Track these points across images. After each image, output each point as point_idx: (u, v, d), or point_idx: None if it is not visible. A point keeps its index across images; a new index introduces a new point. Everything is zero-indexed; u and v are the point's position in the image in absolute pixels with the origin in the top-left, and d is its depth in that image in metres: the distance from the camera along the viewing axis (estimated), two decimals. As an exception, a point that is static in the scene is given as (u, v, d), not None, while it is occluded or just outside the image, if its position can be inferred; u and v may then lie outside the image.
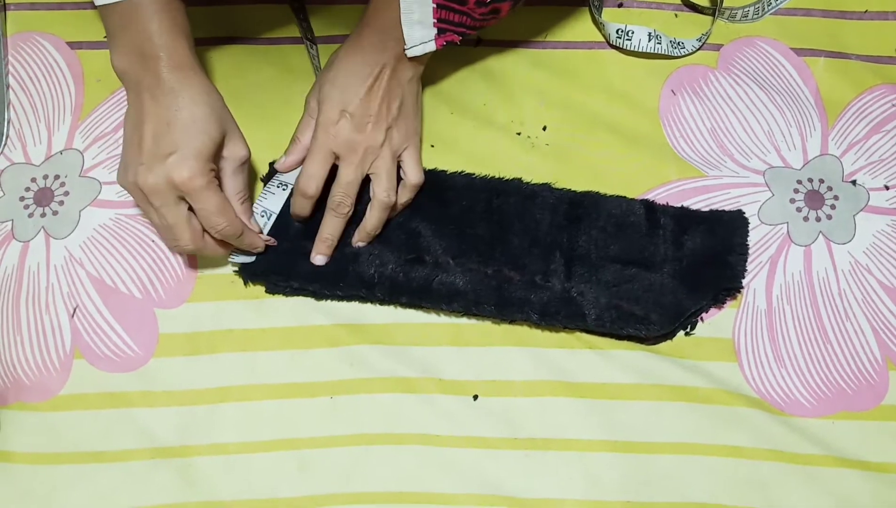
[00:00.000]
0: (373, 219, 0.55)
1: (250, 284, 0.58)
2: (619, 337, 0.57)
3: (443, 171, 0.60)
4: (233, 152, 0.52)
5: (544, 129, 0.63)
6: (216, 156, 0.51)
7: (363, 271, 0.56)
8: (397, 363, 0.57)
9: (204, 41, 0.65)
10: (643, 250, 0.57)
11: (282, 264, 0.56)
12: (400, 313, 0.58)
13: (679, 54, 0.64)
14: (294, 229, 0.57)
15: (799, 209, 0.61)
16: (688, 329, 0.57)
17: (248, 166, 0.54)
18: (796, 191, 0.62)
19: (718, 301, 0.58)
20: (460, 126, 0.63)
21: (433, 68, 0.64)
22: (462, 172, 0.59)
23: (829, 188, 0.62)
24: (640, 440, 0.55)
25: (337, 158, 0.54)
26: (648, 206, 0.58)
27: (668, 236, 0.57)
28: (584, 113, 0.64)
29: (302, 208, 0.55)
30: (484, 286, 0.55)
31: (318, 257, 0.56)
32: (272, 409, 0.56)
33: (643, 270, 0.56)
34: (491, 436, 0.55)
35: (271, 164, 0.59)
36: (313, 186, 0.54)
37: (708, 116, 0.64)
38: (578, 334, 0.58)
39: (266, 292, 0.58)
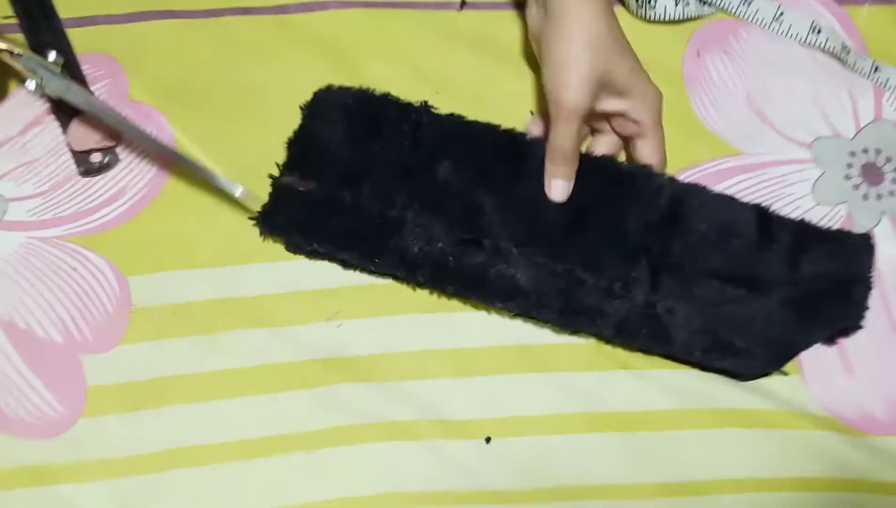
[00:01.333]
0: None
1: (194, 318, 0.47)
2: (705, 368, 0.47)
3: (522, 134, 0.48)
4: None
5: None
6: None
7: (406, 247, 0.45)
8: (389, 404, 0.46)
9: (128, 17, 0.53)
10: (751, 267, 0.46)
11: (310, 219, 0.46)
12: (388, 340, 0.47)
13: (709, 12, 0.54)
14: (334, 175, 0.47)
15: (857, 187, 0.51)
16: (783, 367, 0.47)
17: None
18: (850, 166, 0.52)
19: (832, 339, 0.47)
20: (448, 107, 0.51)
21: (409, 39, 0.53)
22: (539, 138, 0.48)
23: (888, 159, 0.52)
24: (694, 478, 0.45)
25: None
26: (762, 214, 0.47)
27: (783, 253, 0.46)
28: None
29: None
30: (550, 286, 0.45)
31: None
32: (235, 473, 0.44)
33: (749, 291, 0.45)
34: (512, 488, 0.45)
35: None
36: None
37: (742, 80, 0.53)
38: (609, 349, 0.47)
39: (287, 249, 0.48)
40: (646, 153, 0.48)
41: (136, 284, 0.47)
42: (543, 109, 0.49)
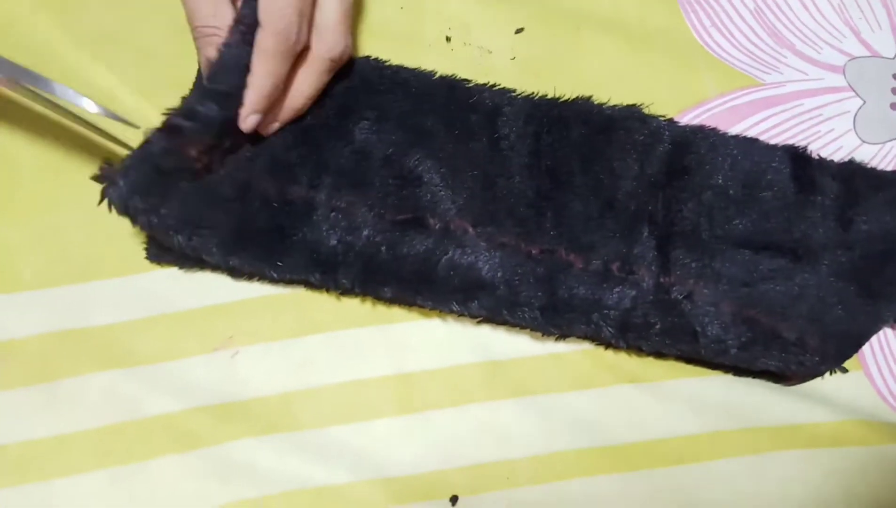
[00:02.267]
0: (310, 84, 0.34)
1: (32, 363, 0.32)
2: (738, 373, 0.35)
3: (463, 80, 0.36)
4: None
5: (517, 32, 0.39)
6: None
7: (319, 240, 0.32)
8: (309, 462, 0.33)
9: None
10: (790, 227, 0.34)
11: (188, 206, 0.32)
12: (303, 371, 0.34)
13: None
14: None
15: (908, 117, 0.39)
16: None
17: None
18: (896, 91, 0.40)
19: None
20: (374, 48, 0.38)
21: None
22: (493, 84, 0.36)
23: (944, 80, 0.40)
24: (739, 528, 0.33)
25: None
26: (796, 156, 0.36)
27: (829, 207, 0.35)
28: (562, 8, 0.40)
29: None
30: (525, 275, 0.33)
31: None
32: (89, 584, 0.30)
33: (791, 261, 0.34)
34: (491, 567, 0.32)
35: None
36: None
37: (748, -8, 0.41)
38: (608, 357, 0.35)
39: (147, 257, 0.34)
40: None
41: (-65, 321, 0.33)
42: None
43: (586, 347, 0.35)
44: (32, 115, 0.36)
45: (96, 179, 0.30)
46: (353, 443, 0.33)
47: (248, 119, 0.32)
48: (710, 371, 0.35)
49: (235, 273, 0.34)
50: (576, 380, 0.35)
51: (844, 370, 0.35)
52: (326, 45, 0.33)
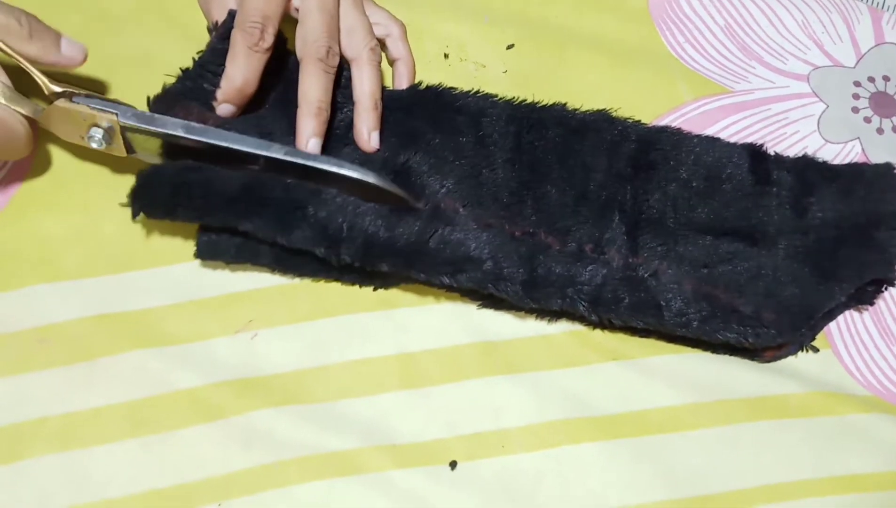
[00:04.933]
0: (369, 79, 0.38)
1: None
2: (708, 345, 0.38)
3: (449, 88, 0.40)
4: None
5: (508, 48, 0.43)
6: None
7: (327, 218, 0.35)
8: (322, 431, 0.36)
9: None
10: (748, 215, 0.38)
11: (199, 183, 0.35)
12: (316, 350, 0.37)
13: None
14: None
15: (868, 119, 0.43)
16: (811, 341, 0.39)
17: None
18: (857, 97, 0.44)
19: (862, 300, 0.39)
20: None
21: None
22: (478, 91, 0.40)
23: (900, 87, 0.44)
24: (716, 490, 0.36)
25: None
26: (754, 152, 0.39)
27: (784, 196, 0.38)
28: (549, 27, 0.45)
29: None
30: (509, 252, 0.36)
31: (312, 141, 0.37)
32: (124, 539, 0.34)
33: (748, 245, 0.37)
34: (487, 524, 0.35)
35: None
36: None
37: (718, 11, 0.45)
38: (594, 338, 0.38)
39: (198, 255, 0.38)
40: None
41: (-14, 307, 0.37)
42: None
43: (573, 328, 0.38)
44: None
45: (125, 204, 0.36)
46: (361, 414, 0.36)
47: (220, 106, 0.37)
48: (687, 349, 0.38)
49: (254, 259, 0.38)
50: (563, 358, 0.38)
51: (816, 349, 0.39)
52: (311, 49, 0.37)
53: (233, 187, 0.35)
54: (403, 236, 0.35)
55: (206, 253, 0.38)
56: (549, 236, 0.36)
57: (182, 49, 0.40)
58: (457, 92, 0.40)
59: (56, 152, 0.40)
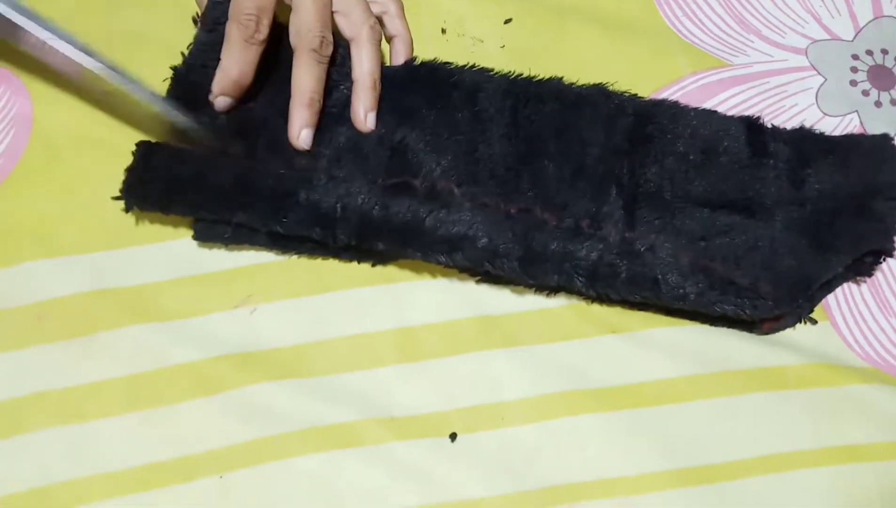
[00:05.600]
0: (368, 59, 0.38)
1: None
2: (706, 318, 0.38)
3: (445, 63, 0.40)
4: None
5: (506, 22, 0.43)
6: None
7: (320, 200, 0.35)
8: (322, 404, 0.36)
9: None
10: (745, 188, 0.38)
11: (192, 177, 0.36)
12: (315, 324, 0.37)
13: None
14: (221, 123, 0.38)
15: (866, 92, 0.43)
16: (809, 313, 0.39)
17: None
18: (855, 70, 0.44)
19: (860, 272, 0.39)
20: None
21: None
22: (473, 65, 0.40)
23: (898, 60, 0.44)
24: (713, 461, 0.36)
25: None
26: (751, 125, 0.39)
27: (781, 168, 0.38)
28: (547, 2, 0.45)
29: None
30: (504, 231, 0.36)
31: (304, 133, 0.37)
32: (125, 511, 0.34)
33: (745, 217, 0.37)
34: (487, 495, 0.35)
35: None
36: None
37: (716, -16, 0.45)
38: (592, 311, 0.38)
39: (195, 237, 0.38)
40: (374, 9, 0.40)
41: (-15, 282, 0.37)
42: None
43: (571, 302, 0.38)
44: (71, 98, 0.40)
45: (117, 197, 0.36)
46: (361, 388, 0.36)
47: (217, 99, 0.37)
48: (685, 321, 0.38)
49: (252, 241, 0.38)
50: (561, 331, 0.38)
51: (814, 321, 0.39)
52: (304, 40, 0.36)
53: (225, 181, 0.35)
54: (399, 216, 0.35)
55: (203, 236, 0.38)
56: (546, 211, 0.36)
57: (180, 27, 0.40)
58: (453, 67, 0.40)
59: (53, 128, 0.40)
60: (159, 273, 0.38)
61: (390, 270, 0.39)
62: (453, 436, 0.36)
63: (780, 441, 0.36)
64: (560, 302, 0.38)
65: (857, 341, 0.38)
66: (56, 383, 0.36)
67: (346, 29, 0.38)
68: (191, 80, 0.38)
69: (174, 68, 0.38)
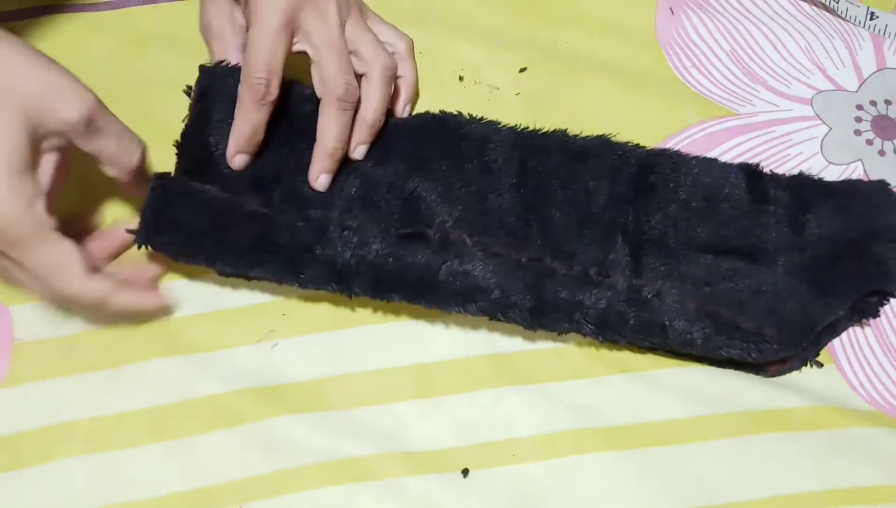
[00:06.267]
0: (377, 95, 0.39)
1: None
2: (713, 360, 0.39)
3: (453, 113, 0.41)
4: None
5: (521, 71, 0.45)
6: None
7: (335, 254, 0.37)
8: (339, 437, 0.37)
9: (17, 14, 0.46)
10: (747, 234, 0.39)
11: (207, 227, 0.37)
12: (334, 360, 0.39)
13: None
14: (236, 175, 0.39)
15: (869, 142, 0.44)
16: (815, 356, 0.40)
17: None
18: (859, 120, 0.45)
19: (864, 313, 0.39)
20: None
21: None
22: (480, 117, 0.41)
23: (901, 111, 0.45)
24: (722, 501, 0.37)
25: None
26: (750, 172, 0.40)
27: (782, 214, 0.39)
28: (560, 51, 0.46)
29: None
30: (516, 281, 0.37)
31: (322, 178, 0.38)
32: (147, 540, 0.35)
33: (748, 263, 0.38)
34: (499, 531, 0.36)
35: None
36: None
37: (724, 36, 0.47)
38: (602, 350, 0.39)
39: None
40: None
41: (19, 314, 0.39)
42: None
43: (582, 342, 0.40)
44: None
45: (132, 232, 0.37)
46: (377, 422, 0.37)
47: (234, 158, 0.38)
48: (693, 363, 0.39)
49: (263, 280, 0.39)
50: (573, 371, 0.39)
51: (820, 365, 0.39)
52: (329, 88, 0.38)
53: (243, 238, 0.36)
54: (413, 269, 0.36)
55: (227, 273, 0.39)
56: (555, 260, 0.38)
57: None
58: (461, 119, 0.41)
59: (86, 169, 0.42)
60: (185, 308, 0.39)
61: (408, 307, 0.40)
62: (465, 472, 0.37)
63: (786, 483, 0.37)
64: (571, 342, 0.40)
65: (861, 384, 0.39)
66: (84, 413, 0.37)
67: (358, 66, 0.39)
68: (195, 149, 0.39)
69: (176, 143, 0.39)
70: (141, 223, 0.36)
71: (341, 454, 0.37)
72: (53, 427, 0.37)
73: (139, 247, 0.37)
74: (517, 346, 0.40)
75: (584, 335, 0.37)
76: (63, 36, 0.46)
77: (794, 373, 0.39)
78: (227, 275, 0.39)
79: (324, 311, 0.40)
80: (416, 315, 0.40)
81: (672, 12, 0.48)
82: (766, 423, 0.38)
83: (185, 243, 0.37)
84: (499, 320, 0.37)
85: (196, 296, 0.40)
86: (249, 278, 0.39)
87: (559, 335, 0.39)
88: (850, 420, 0.38)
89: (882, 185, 0.40)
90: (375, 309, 0.40)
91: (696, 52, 0.47)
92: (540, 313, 0.37)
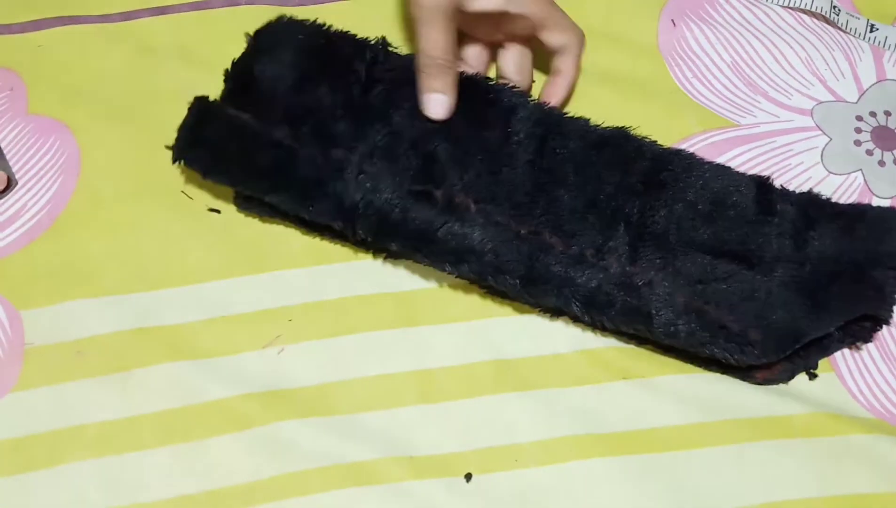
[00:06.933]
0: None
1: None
2: (696, 360, 0.40)
3: (487, 79, 0.43)
4: None
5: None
6: None
7: (346, 193, 0.38)
8: (344, 442, 0.38)
9: (26, 26, 0.46)
10: (747, 241, 0.39)
11: (236, 150, 0.39)
12: (339, 365, 0.39)
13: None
14: (273, 110, 0.40)
15: (870, 152, 0.45)
16: (811, 370, 0.40)
17: None
18: (859, 130, 0.45)
19: (856, 337, 0.40)
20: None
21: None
22: (514, 86, 0.43)
23: (901, 121, 0.46)
24: (722, 507, 0.37)
25: None
26: (761, 184, 0.41)
27: (786, 228, 0.40)
28: (562, 62, 0.47)
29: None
30: (511, 250, 0.38)
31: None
32: (154, 542, 0.35)
33: (745, 268, 0.39)
34: (501, 535, 0.36)
35: None
36: None
37: (725, 48, 0.48)
38: (604, 357, 0.40)
39: (236, 205, 0.43)
40: (553, 41, 0.43)
41: (30, 319, 0.40)
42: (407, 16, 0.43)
43: (584, 348, 0.40)
44: (116, 149, 0.43)
45: (169, 147, 0.40)
46: (381, 427, 0.38)
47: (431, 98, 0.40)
48: (695, 369, 0.39)
49: (281, 216, 0.42)
50: (574, 377, 0.39)
51: (815, 376, 0.40)
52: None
53: (266, 163, 0.39)
54: (415, 222, 0.38)
55: (243, 206, 0.42)
56: (554, 236, 0.38)
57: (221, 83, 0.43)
58: (492, 83, 0.42)
59: (98, 176, 0.43)
60: (193, 314, 0.40)
61: (412, 313, 0.41)
62: (468, 476, 0.37)
63: (786, 489, 0.37)
64: (573, 348, 0.40)
65: (861, 392, 0.40)
66: (93, 416, 0.38)
67: (556, 38, 0.42)
68: (241, 77, 0.41)
69: (226, 71, 0.41)
70: (177, 140, 0.39)
71: (345, 458, 0.37)
72: (63, 431, 0.37)
73: (174, 162, 0.39)
74: (520, 352, 0.40)
75: (571, 312, 0.38)
76: (76, 47, 0.47)
77: (794, 383, 0.40)
78: (245, 204, 0.42)
79: (328, 317, 0.40)
80: (419, 321, 0.40)
81: (674, 24, 0.48)
82: (766, 430, 0.38)
83: (213, 162, 0.39)
84: (488, 283, 0.38)
85: (204, 302, 0.40)
86: (262, 215, 0.42)
87: (551, 317, 0.40)
88: (850, 428, 0.38)
89: (890, 212, 0.40)
90: (380, 314, 0.40)
91: (697, 64, 0.47)
92: (530, 283, 0.38)
